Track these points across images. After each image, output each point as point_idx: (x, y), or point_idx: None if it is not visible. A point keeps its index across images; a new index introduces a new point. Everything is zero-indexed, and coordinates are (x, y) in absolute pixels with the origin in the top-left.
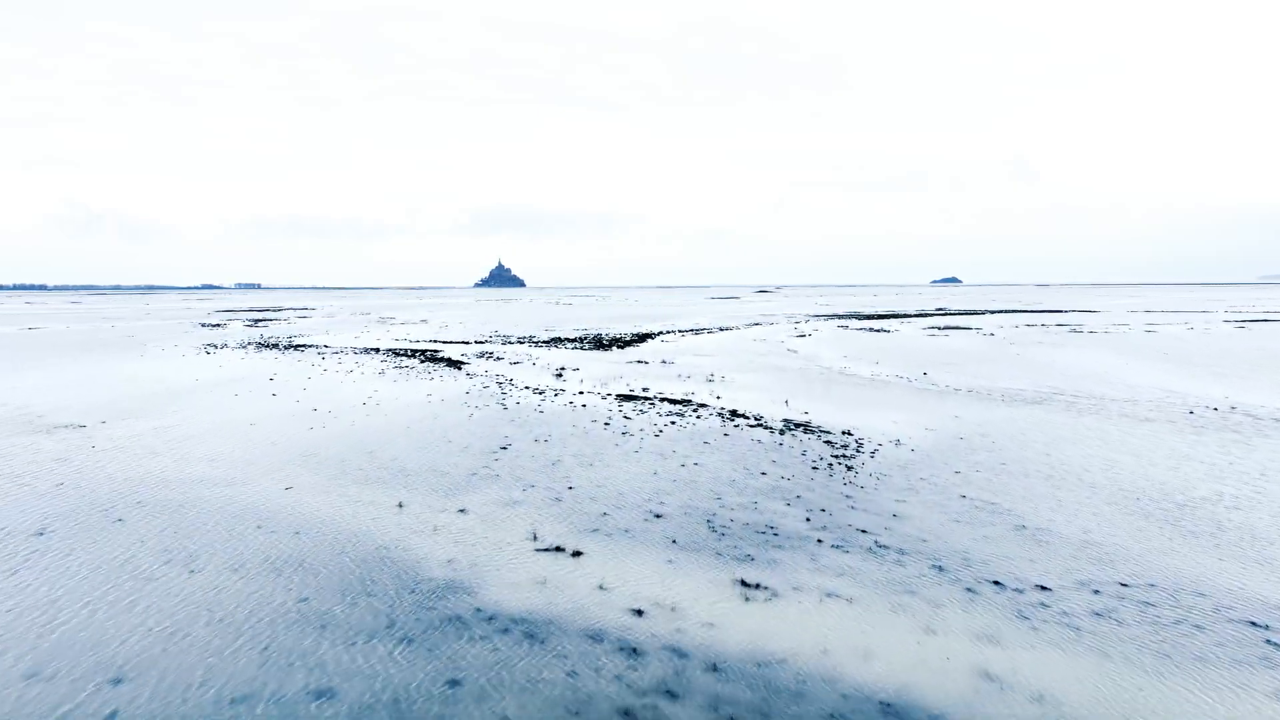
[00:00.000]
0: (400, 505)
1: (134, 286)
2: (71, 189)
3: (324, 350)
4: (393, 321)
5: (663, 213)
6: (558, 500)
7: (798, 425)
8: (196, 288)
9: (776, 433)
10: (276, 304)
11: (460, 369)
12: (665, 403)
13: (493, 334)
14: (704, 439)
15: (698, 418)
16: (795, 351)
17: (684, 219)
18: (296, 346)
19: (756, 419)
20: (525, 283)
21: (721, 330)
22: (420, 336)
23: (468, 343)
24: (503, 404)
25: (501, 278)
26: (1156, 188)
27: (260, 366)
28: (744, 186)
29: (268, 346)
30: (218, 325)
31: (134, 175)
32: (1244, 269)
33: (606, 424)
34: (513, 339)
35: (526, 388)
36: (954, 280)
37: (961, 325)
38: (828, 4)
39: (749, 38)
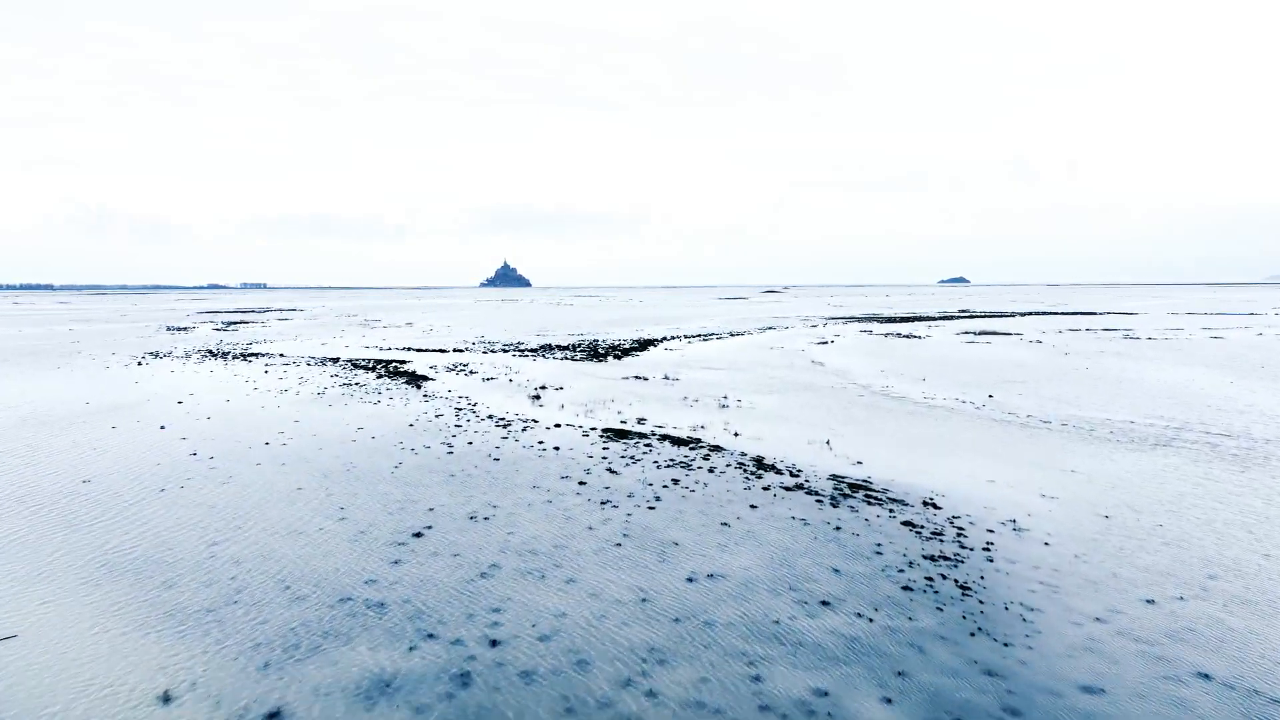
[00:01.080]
0: (166, 698)
1: (140, 286)
2: (81, 188)
3: (275, 360)
4: (377, 324)
5: (666, 212)
6: (461, 684)
7: (853, 487)
8: (203, 287)
9: (826, 501)
10: (267, 305)
11: (420, 387)
12: (667, 441)
13: (478, 340)
14: (721, 514)
15: (710, 470)
16: (821, 364)
17: (688, 218)
18: (248, 356)
19: (793, 473)
20: (531, 282)
21: (732, 336)
22: (397, 342)
23: (444, 350)
24: (450, 444)
25: (507, 277)
26: (1156, 188)
27: (183, 384)
28: (748, 186)
29: (216, 355)
30: (184, 329)
31: (143, 175)
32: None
33: (582, 483)
34: (497, 346)
35: (490, 417)
36: (962, 280)
37: (997, 330)
38: (828, 4)
39: (749, 37)
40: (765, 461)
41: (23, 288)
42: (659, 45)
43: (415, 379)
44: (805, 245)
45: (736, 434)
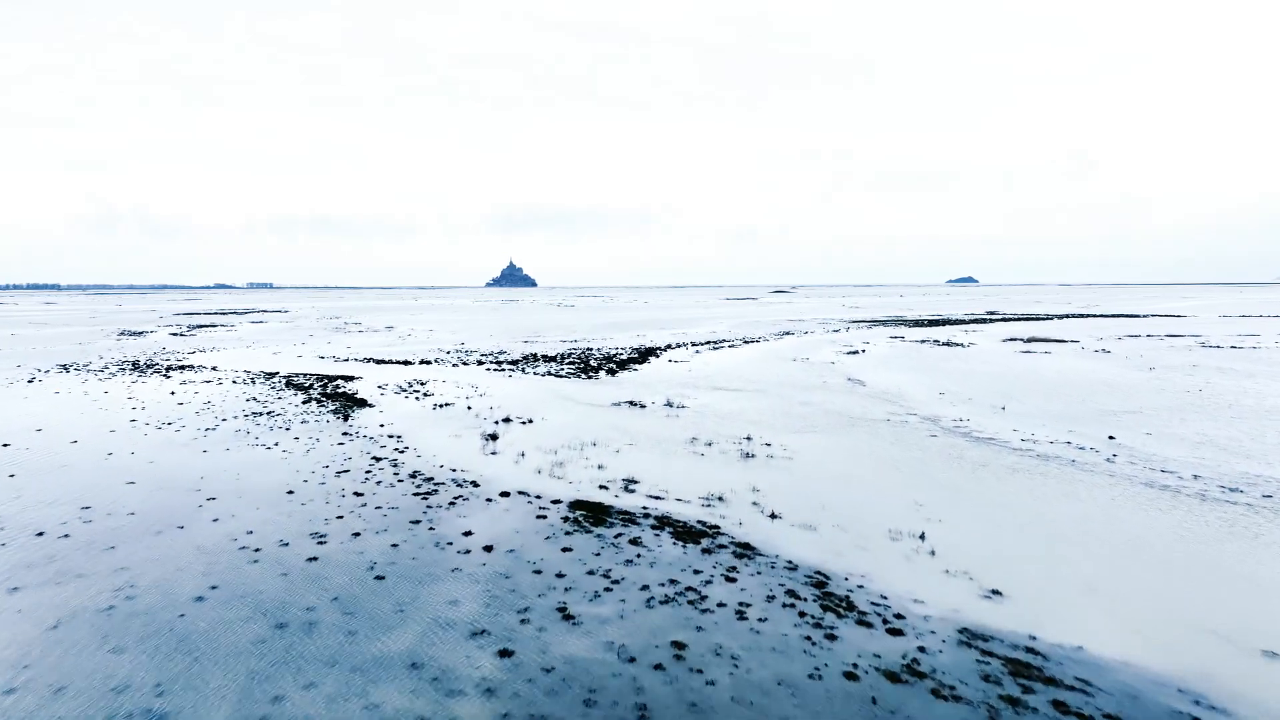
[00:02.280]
0: None
1: (148, 286)
2: (94, 187)
3: (199, 376)
4: (354, 329)
5: (678, 212)
6: None
7: (1019, 669)
8: (209, 287)
9: (982, 715)
10: (255, 305)
11: (349, 417)
12: (666, 531)
13: (456, 348)
14: None
15: (741, 612)
16: (861, 382)
17: (700, 218)
18: (175, 369)
19: (888, 620)
20: (537, 282)
21: (746, 343)
22: (362, 351)
23: (409, 362)
24: (323, 535)
25: (513, 277)
26: (1183, 186)
27: (50, 410)
28: (763, 186)
29: (139, 369)
30: (140, 334)
31: (154, 174)
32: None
33: (506, 652)
34: (475, 356)
35: (414, 475)
36: (970, 280)
37: (1045, 336)
38: (857, 3)
39: (778, 34)
40: (830, 586)
41: (30, 287)
42: (689, 41)
43: (350, 404)
44: (813, 246)
45: (774, 515)
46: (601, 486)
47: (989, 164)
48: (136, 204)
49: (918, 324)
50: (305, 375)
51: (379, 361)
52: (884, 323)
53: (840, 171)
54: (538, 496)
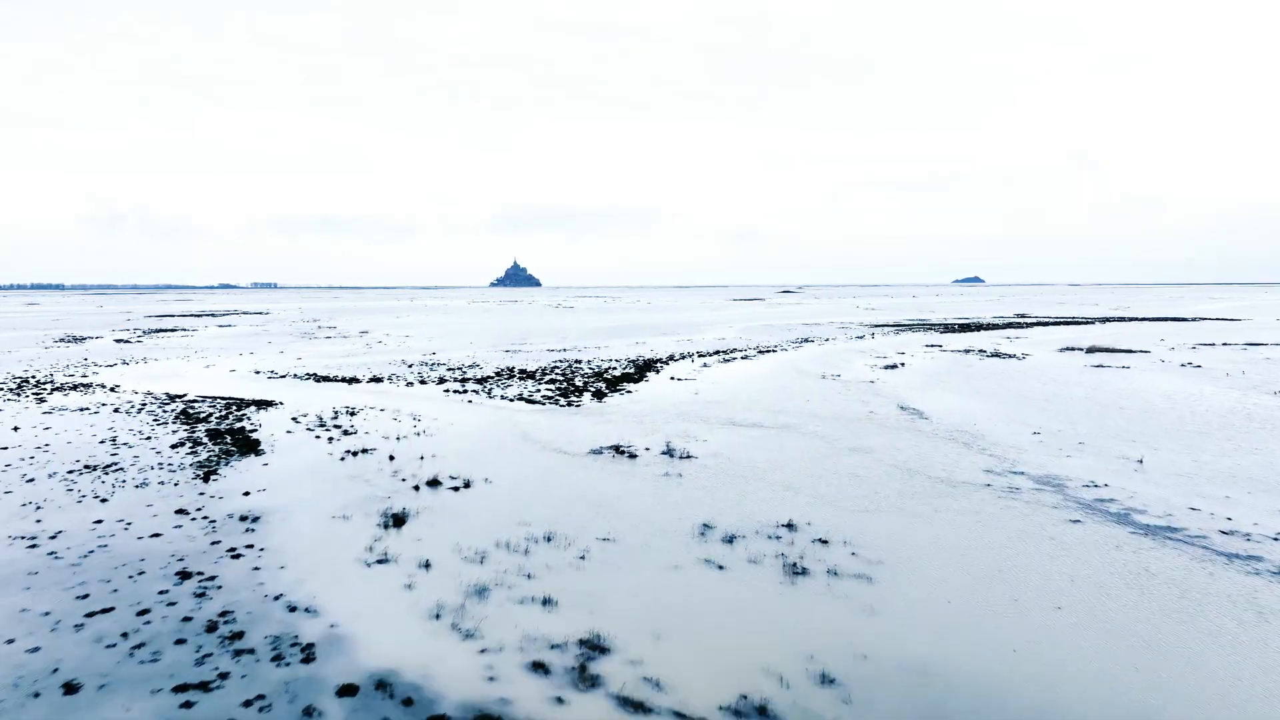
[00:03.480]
0: None
1: (150, 286)
2: (97, 188)
3: (90, 396)
4: (325, 335)
5: (683, 212)
6: None
7: None
8: (213, 287)
9: None
10: (236, 307)
11: (218, 473)
12: None
13: (423, 359)
14: None
15: None
16: (919, 413)
17: (705, 218)
18: (68, 388)
19: None
20: (540, 282)
21: (761, 354)
22: (312, 365)
23: (357, 380)
24: None
25: (516, 277)
26: (1187, 186)
27: None
28: (768, 185)
29: (23, 388)
30: (79, 340)
31: (159, 174)
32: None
33: None
34: (439, 372)
35: (219, 620)
36: (977, 280)
37: (1110, 346)
38: (853, 3)
39: (780, 32)
40: None
41: (34, 287)
42: (690, 41)
43: (234, 447)
44: (817, 245)
45: None
46: (536, 666)
47: (989, 164)
48: (138, 204)
49: (948, 329)
50: (215, 400)
51: (321, 379)
52: (909, 327)
53: (842, 171)
54: (411, 695)
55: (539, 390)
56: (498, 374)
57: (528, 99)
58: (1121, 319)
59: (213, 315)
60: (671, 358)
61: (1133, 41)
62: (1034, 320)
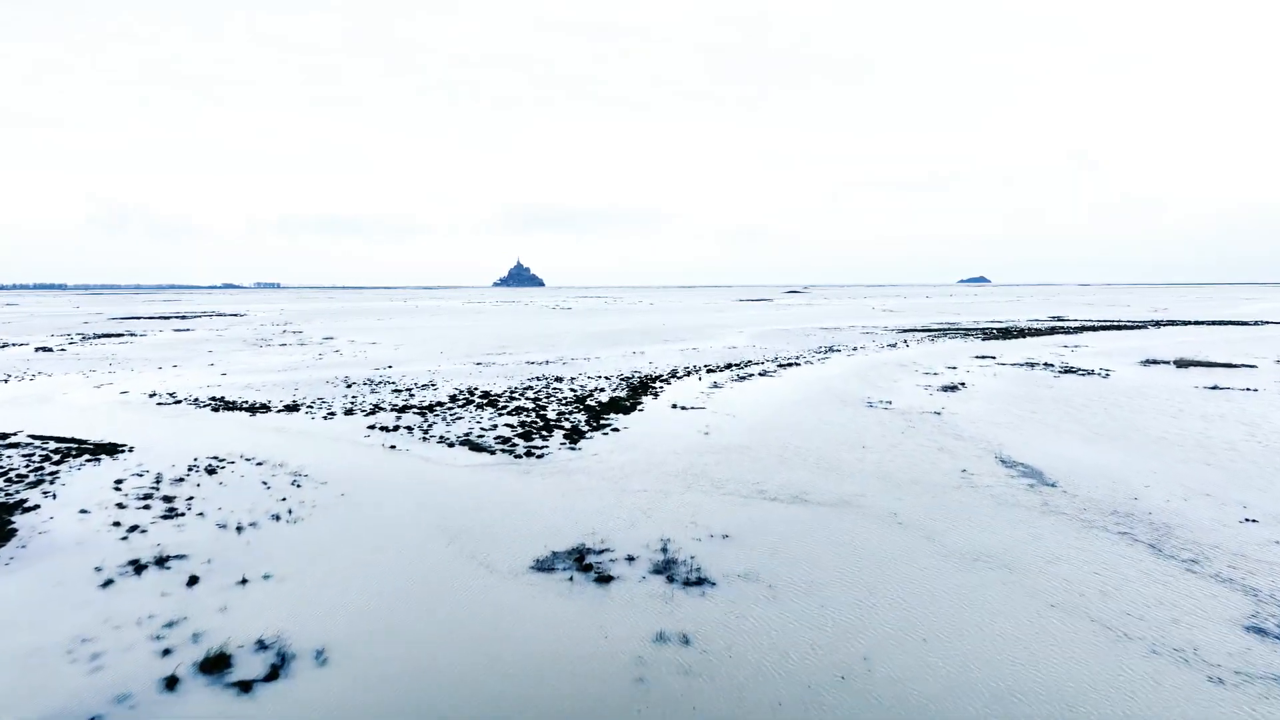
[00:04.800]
0: None
1: (154, 286)
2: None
3: None
4: (282, 342)
5: (688, 211)
6: None
7: None
8: (217, 287)
9: None
10: (215, 309)
11: None
12: None
13: (372, 376)
14: None
15: None
16: (1035, 472)
17: (709, 218)
18: None
19: None
20: (544, 282)
21: (783, 367)
22: (238, 382)
23: (266, 409)
24: None
25: (520, 277)
26: (1188, 186)
27: None
28: (771, 185)
29: None
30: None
31: (163, 174)
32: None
33: None
34: (379, 394)
35: None
36: (983, 280)
37: (1206, 360)
38: (852, 3)
39: (780, 32)
40: None
41: (36, 287)
42: (691, 40)
43: None
44: (820, 245)
45: None
46: None
47: (989, 164)
48: (141, 204)
49: (987, 335)
50: (43, 443)
51: (225, 406)
52: (942, 332)
53: (842, 171)
54: None
55: (496, 426)
56: (452, 399)
57: (528, 99)
58: (1170, 323)
59: (183, 318)
60: (674, 374)
61: (1133, 41)
62: (1077, 325)
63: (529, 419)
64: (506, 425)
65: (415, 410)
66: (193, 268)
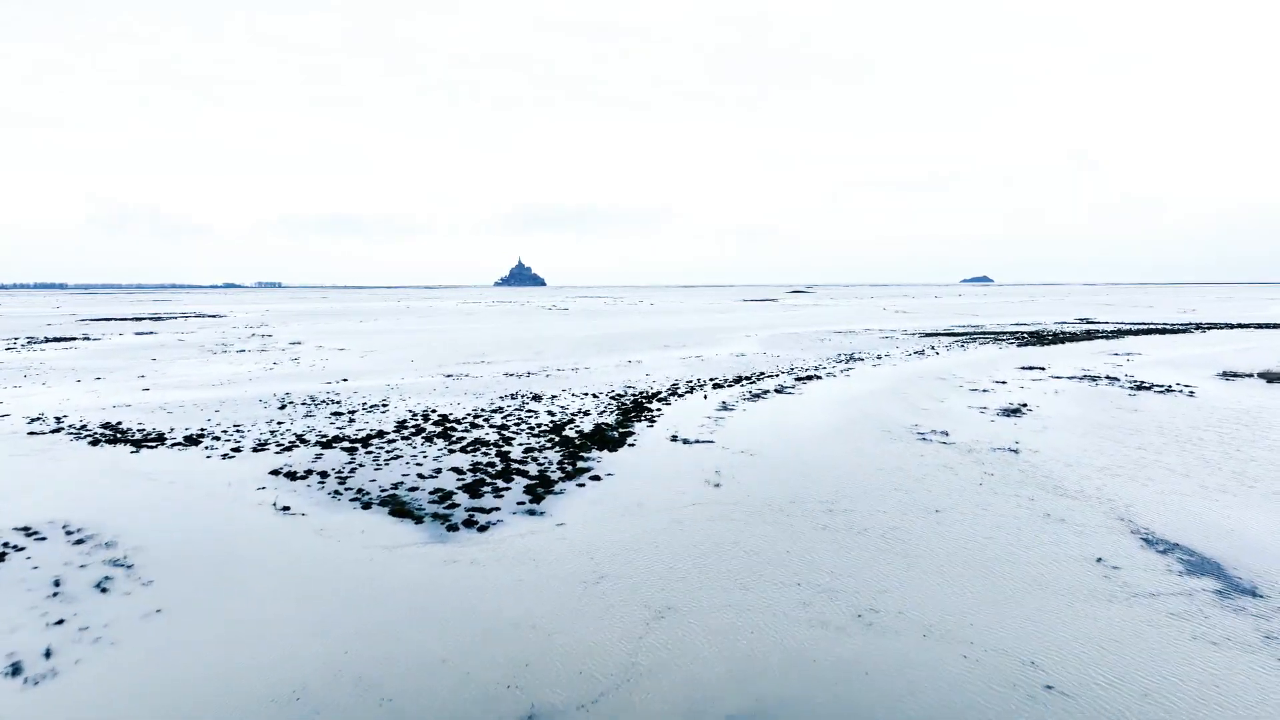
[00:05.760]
0: None
1: (155, 285)
2: (101, 188)
3: None
4: (242, 348)
5: (689, 211)
6: None
7: None
8: (219, 286)
9: None
10: (198, 310)
11: None
12: None
13: (317, 393)
14: None
15: None
16: (1212, 565)
17: (711, 217)
18: None
19: None
20: (545, 282)
21: (801, 380)
22: (147, 403)
23: (162, 440)
24: None
25: (521, 276)
26: (1199, 185)
27: None
28: (773, 185)
29: None
30: None
31: (162, 173)
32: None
33: None
34: (314, 419)
35: None
36: (985, 280)
37: None
38: (852, 2)
39: (780, 32)
40: None
41: (36, 287)
42: (691, 39)
43: None
44: (822, 245)
45: None
46: None
47: (989, 164)
48: (142, 204)
49: (1021, 340)
50: None
51: (113, 438)
52: (970, 337)
53: (843, 171)
54: None
55: (440, 471)
56: (400, 425)
57: (528, 99)
58: (1211, 326)
59: (158, 319)
60: (674, 390)
61: (1133, 41)
62: (1112, 328)
63: (486, 459)
64: (454, 470)
65: (346, 444)
66: (195, 267)
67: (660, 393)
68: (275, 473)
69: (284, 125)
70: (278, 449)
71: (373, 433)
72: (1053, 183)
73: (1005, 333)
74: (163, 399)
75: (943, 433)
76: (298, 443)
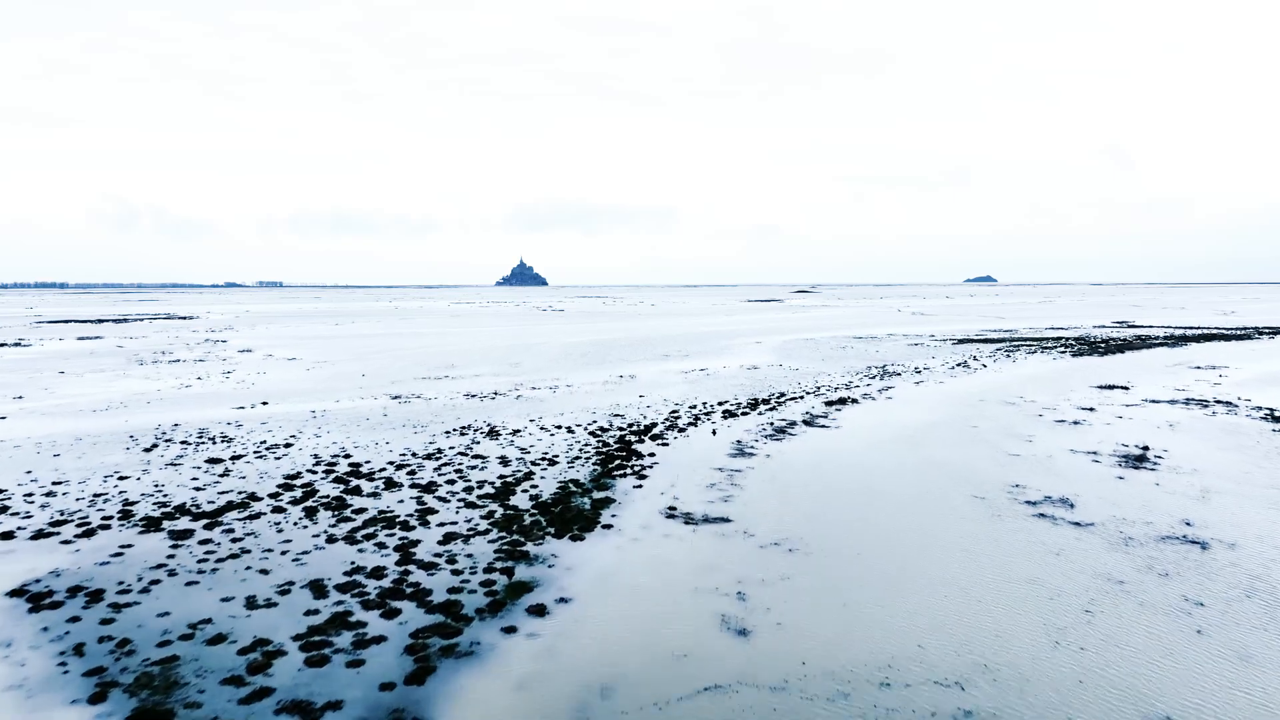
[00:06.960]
0: None
1: (157, 284)
2: (110, 186)
3: None
4: (179, 358)
5: (696, 210)
6: None
7: None
8: (220, 286)
9: None
10: (170, 311)
11: None
12: None
13: (203, 430)
14: None
15: None
16: None
17: (718, 216)
18: None
19: None
20: (547, 281)
21: (832, 405)
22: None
23: None
24: None
25: (522, 276)
26: (1222, 184)
27: None
28: (782, 183)
29: None
30: None
31: (173, 171)
32: None
33: None
34: (166, 482)
35: None
36: (989, 279)
37: None
38: None
39: (794, 29)
40: None
41: (37, 286)
42: (710, 35)
43: None
44: (828, 244)
45: None
46: None
47: (1004, 160)
48: (152, 203)
49: (1072, 349)
50: None
51: None
52: (1010, 344)
53: (855, 168)
54: None
55: (289, 589)
56: (285, 486)
57: (541, 95)
58: (1274, 330)
59: (121, 321)
60: (674, 420)
61: (1160, 32)
62: (1164, 334)
63: (376, 559)
64: (312, 586)
65: (185, 521)
66: (200, 266)
67: (655, 425)
68: (18, 593)
69: (297, 122)
70: (75, 532)
71: (240, 497)
72: (1066, 180)
73: (1048, 339)
74: (8, 431)
75: (1062, 501)
76: (114, 519)
